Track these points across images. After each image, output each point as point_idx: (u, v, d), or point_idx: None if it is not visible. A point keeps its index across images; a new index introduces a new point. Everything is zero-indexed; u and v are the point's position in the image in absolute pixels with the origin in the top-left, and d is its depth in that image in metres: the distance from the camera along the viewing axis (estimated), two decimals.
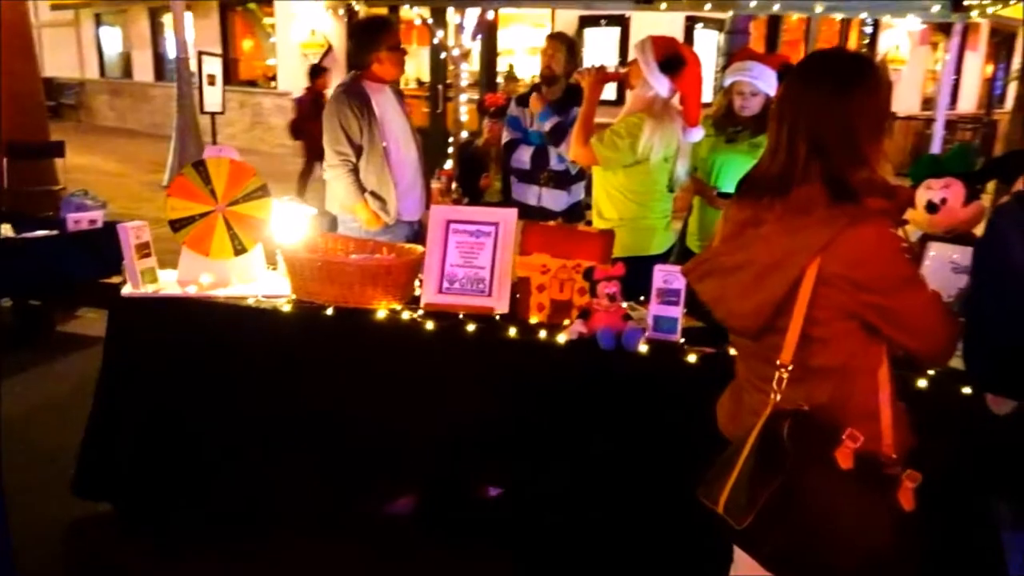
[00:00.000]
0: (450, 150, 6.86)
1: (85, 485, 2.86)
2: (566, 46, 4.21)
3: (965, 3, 5.75)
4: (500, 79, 12.00)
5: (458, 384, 2.63)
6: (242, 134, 15.52)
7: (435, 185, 5.23)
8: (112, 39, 19.38)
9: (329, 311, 2.74)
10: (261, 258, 3.11)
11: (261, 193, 3.00)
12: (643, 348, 2.50)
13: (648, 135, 3.21)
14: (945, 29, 12.99)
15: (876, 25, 14.13)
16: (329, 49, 14.60)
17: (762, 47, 11.16)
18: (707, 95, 4.33)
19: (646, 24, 10.09)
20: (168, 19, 14.19)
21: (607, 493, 2.52)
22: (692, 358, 2.45)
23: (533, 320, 2.68)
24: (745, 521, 1.43)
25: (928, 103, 14.65)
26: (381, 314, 2.72)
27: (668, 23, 10.70)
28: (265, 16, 16.30)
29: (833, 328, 1.52)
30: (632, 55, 3.39)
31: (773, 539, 1.44)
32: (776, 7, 6.53)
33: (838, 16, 9.07)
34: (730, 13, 7.57)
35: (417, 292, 2.87)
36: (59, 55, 18.86)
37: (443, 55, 7.21)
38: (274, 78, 15.95)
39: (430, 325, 2.67)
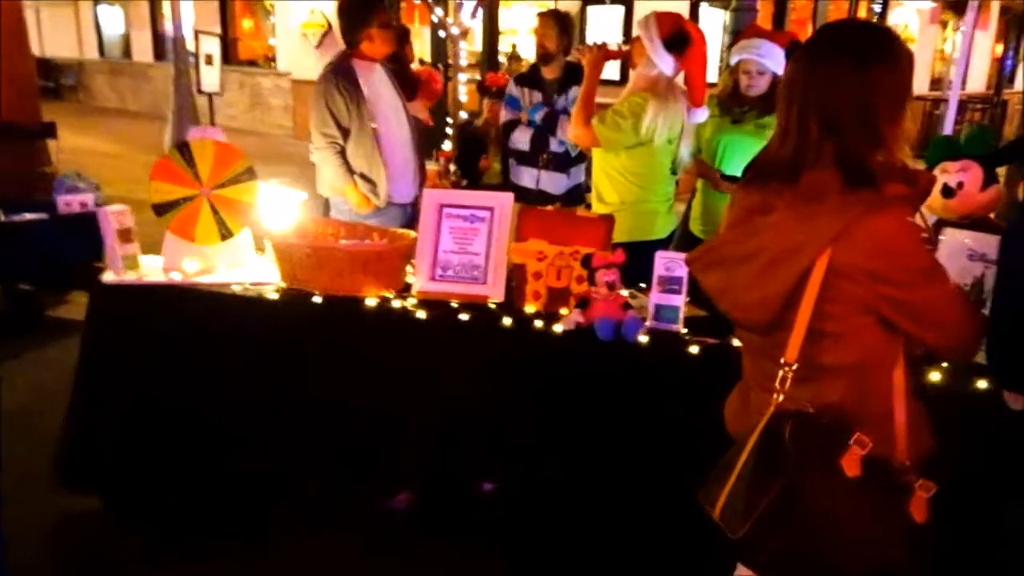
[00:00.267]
0: (449, 131, 6.74)
1: (70, 475, 2.77)
2: (557, 23, 4.08)
3: None
4: (503, 59, 11.83)
5: (452, 375, 2.53)
6: (241, 115, 15.36)
7: (433, 167, 5.12)
8: (111, 19, 19.17)
9: (318, 299, 2.64)
10: (249, 243, 3.00)
11: (248, 176, 2.89)
12: (643, 339, 2.40)
13: (652, 115, 3.09)
14: (955, 7, 12.77)
15: (886, 3, 13.89)
16: (329, 29, 14.41)
17: (769, 26, 10.96)
18: (712, 74, 4.20)
19: (650, 2, 9.92)
20: None
21: (605, 489, 2.42)
22: (694, 349, 2.34)
23: (529, 309, 2.58)
24: (741, 529, 1.33)
25: (937, 83, 14.43)
26: (372, 302, 2.62)
27: (673, 1, 10.51)
28: None
29: (847, 323, 1.41)
30: (636, 32, 3.26)
31: (770, 548, 1.35)
32: None
33: None
34: None
35: (410, 279, 2.77)
36: (58, 35, 18.67)
37: (442, 34, 7.06)
38: (274, 58, 15.77)
39: (422, 314, 2.56)
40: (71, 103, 18.02)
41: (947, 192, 2.42)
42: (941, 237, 2.40)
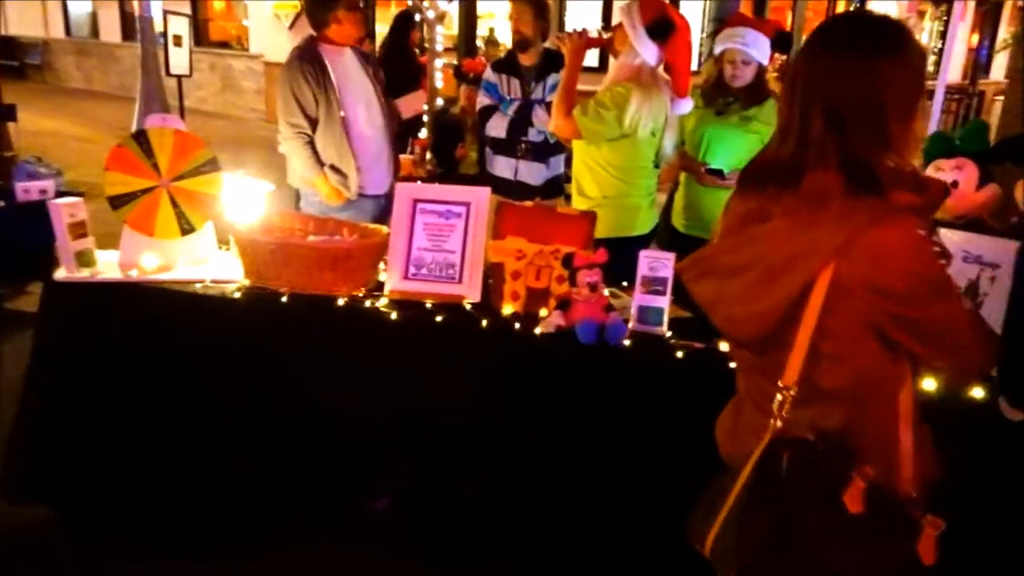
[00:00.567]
0: (424, 118, 6.57)
1: (13, 487, 2.61)
2: (532, 6, 3.92)
3: None
4: (480, 43, 11.63)
5: (425, 379, 2.40)
6: (212, 98, 15.02)
7: (408, 155, 4.97)
8: None
9: (284, 298, 2.50)
10: (212, 238, 2.85)
11: (210, 167, 2.73)
12: (626, 342, 2.29)
13: (636, 106, 2.97)
14: None
15: None
16: (301, 11, 14.12)
17: (748, 13, 10.87)
18: (692, 64, 4.08)
19: None
20: None
21: (586, 497, 2.31)
22: (680, 354, 2.24)
23: (507, 310, 2.45)
24: (732, 571, 1.22)
25: None
26: (341, 301, 2.49)
27: None
28: None
29: (848, 343, 1.30)
30: (617, 19, 3.13)
31: None
32: None
33: None
34: None
35: (382, 277, 2.63)
36: (22, 13, 18.13)
37: (418, 17, 6.88)
38: (246, 40, 15.42)
39: (395, 315, 2.43)
40: (36, 84, 17.53)
41: None
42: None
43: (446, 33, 8.55)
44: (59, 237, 2.59)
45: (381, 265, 2.67)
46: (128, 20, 16.77)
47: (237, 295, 2.54)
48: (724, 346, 2.25)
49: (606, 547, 2.30)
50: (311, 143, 3.45)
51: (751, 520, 1.22)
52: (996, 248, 1.95)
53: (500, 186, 3.79)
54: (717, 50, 3.40)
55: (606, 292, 2.46)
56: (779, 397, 1.28)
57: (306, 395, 2.48)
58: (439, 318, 2.41)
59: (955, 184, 2.34)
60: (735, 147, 3.35)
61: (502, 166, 4.01)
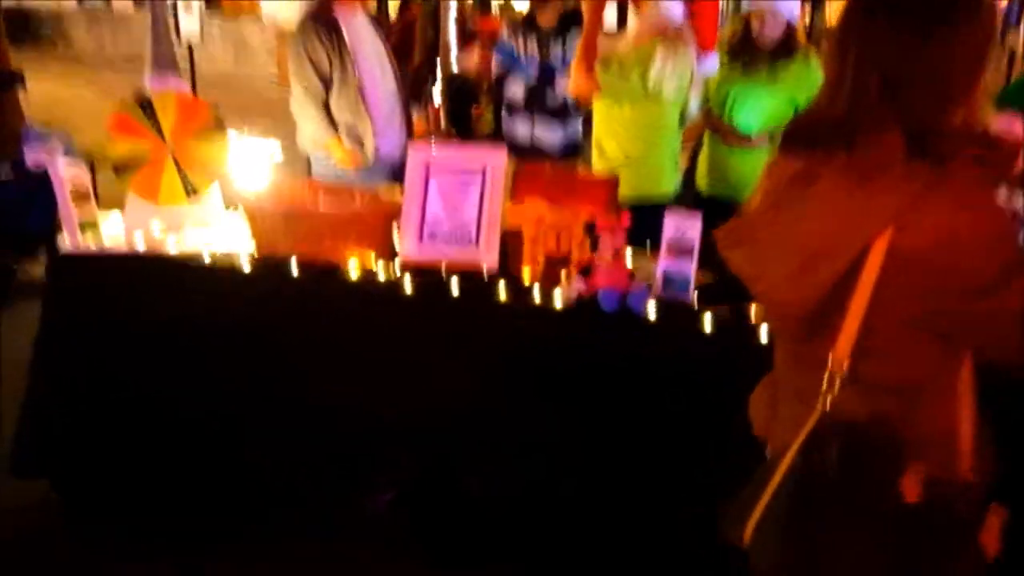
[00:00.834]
0: (439, 78, 6.43)
1: (22, 464, 2.56)
2: None
3: None
4: (496, 2, 11.38)
5: (440, 349, 2.31)
6: (223, 61, 14.87)
7: (422, 119, 4.85)
8: None
9: (294, 267, 2.41)
10: (218, 202, 2.75)
11: (215, 131, 2.63)
12: (651, 311, 2.18)
13: (660, 64, 2.83)
14: None
15: None
16: None
17: None
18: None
19: None
20: None
21: (608, 478, 2.21)
22: (707, 322, 2.13)
23: (526, 277, 2.35)
24: (774, 566, 1.12)
25: None
26: (354, 271, 2.39)
27: None
28: None
29: (902, 324, 1.17)
30: None
31: None
32: None
33: None
34: None
35: (396, 245, 2.53)
36: None
37: None
38: (258, 2, 15.21)
39: (409, 283, 2.34)
40: (48, 53, 17.43)
41: None
42: None
43: None
44: (62, 205, 2.50)
45: (395, 232, 2.57)
46: None
47: (246, 265, 2.45)
48: (754, 313, 2.15)
49: (623, 540, 2.20)
50: (325, 105, 3.34)
51: (795, 512, 1.12)
52: None
53: (516, 149, 3.66)
54: (745, 4, 3.24)
55: (629, 257, 2.35)
56: (826, 381, 1.17)
57: (317, 371, 2.39)
58: (455, 286, 2.31)
59: None
60: (762, 105, 3.21)
61: (519, 129, 3.87)
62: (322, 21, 3.28)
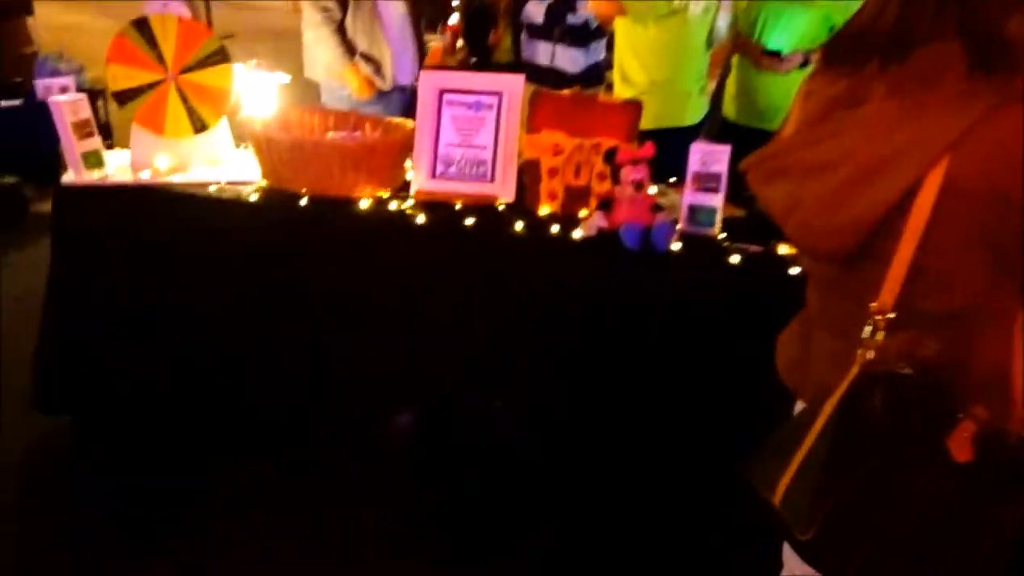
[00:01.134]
0: (455, 2, 6.18)
1: (43, 398, 2.54)
2: None
3: None
4: None
5: (454, 286, 2.23)
6: None
7: (437, 43, 4.67)
8: None
9: (303, 200, 2.32)
10: (227, 137, 2.66)
11: (219, 58, 2.51)
12: (675, 246, 2.07)
13: None
14: None
15: None
16: None
17: None
18: None
19: None
20: None
21: (622, 417, 2.14)
22: (735, 258, 2.02)
23: (543, 211, 2.25)
24: (809, 531, 1.04)
25: None
26: (364, 203, 2.30)
27: None
28: None
29: (957, 261, 1.06)
30: None
31: (853, 559, 1.04)
32: None
33: None
34: None
35: (409, 177, 2.43)
36: None
37: None
38: None
39: (421, 217, 2.24)
40: None
41: None
42: None
43: None
44: (63, 138, 2.42)
45: (408, 163, 2.46)
46: None
47: (254, 198, 2.37)
48: (784, 249, 2.04)
49: (640, 482, 2.13)
50: (341, 29, 3.20)
51: (834, 469, 1.03)
52: None
53: (536, 74, 3.51)
54: None
55: (652, 190, 2.24)
56: (871, 322, 1.07)
57: (328, 305, 2.33)
58: (469, 220, 2.21)
59: None
60: (795, 25, 3.02)
61: (538, 52, 3.70)
62: None
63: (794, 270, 1.93)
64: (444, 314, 2.25)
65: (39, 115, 4.76)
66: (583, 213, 2.21)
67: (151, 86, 2.49)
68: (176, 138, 2.53)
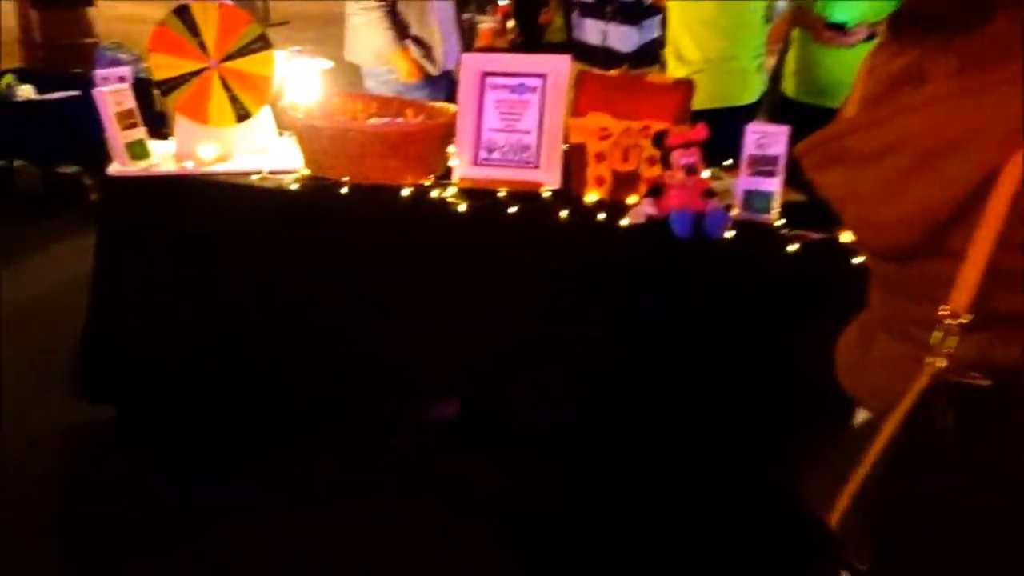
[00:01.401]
0: None
1: (87, 385, 2.56)
2: None
3: None
4: None
5: (497, 276, 2.16)
6: None
7: (487, 24, 4.58)
8: None
9: (344, 189, 2.27)
10: (271, 124, 2.62)
11: (261, 45, 2.47)
12: (729, 234, 1.96)
13: None
14: None
15: None
16: None
17: None
18: None
19: None
20: None
21: (670, 412, 2.04)
22: (793, 247, 1.90)
23: (590, 198, 2.16)
24: (868, 560, 0.94)
25: None
26: (406, 191, 2.24)
27: None
28: None
29: None
30: None
31: None
32: None
33: None
34: None
35: (454, 163, 2.36)
36: None
37: None
38: None
39: (464, 205, 2.17)
40: None
41: None
42: None
43: None
44: (107, 128, 2.41)
45: (452, 149, 2.39)
46: None
47: (295, 187, 2.33)
48: (849, 236, 1.91)
49: (682, 481, 2.04)
50: (393, 11, 3.14)
51: (898, 493, 0.93)
52: None
53: (587, 53, 3.40)
54: None
55: (705, 174, 2.12)
56: (944, 326, 0.95)
57: (371, 296, 2.28)
58: (513, 208, 2.13)
59: None
60: None
61: (590, 30, 3.58)
62: None
63: (859, 259, 1.80)
64: (486, 305, 2.18)
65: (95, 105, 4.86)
66: (631, 200, 2.11)
67: (194, 74, 2.46)
68: (219, 127, 2.51)
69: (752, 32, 2.78)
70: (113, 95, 2.40)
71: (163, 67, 2.45)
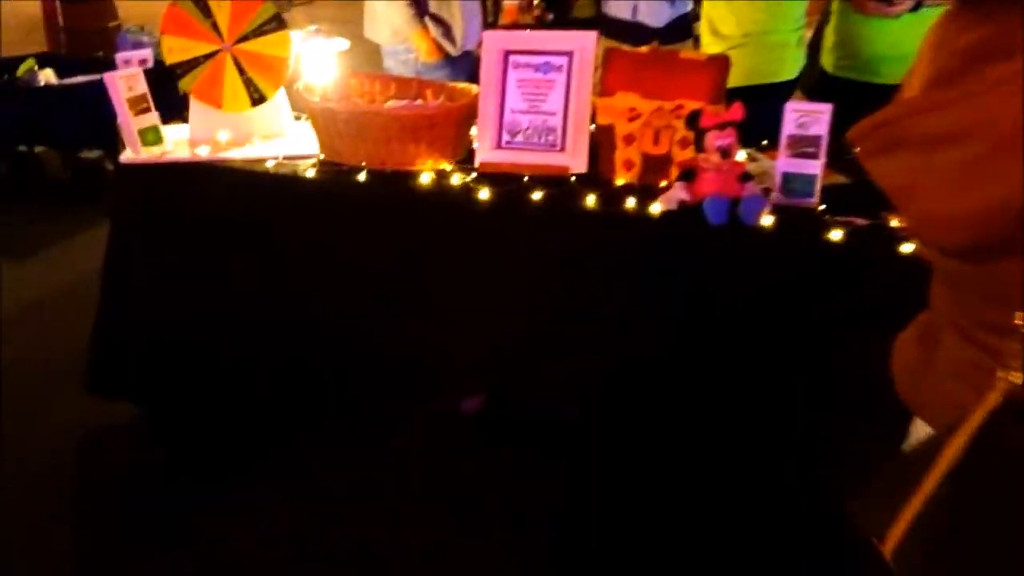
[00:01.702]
0: None
1: (100, 381, 2.51)
2: None
3: None
4: None
5: (521, 264, 2.06)
6: None
7: (513, 1, 4.45)
8: None
9: (361, 175, 2.18)
10: (286, 107, 2.54)
11: (275, 25, 2.38)
12: (767, 220, 1.84)
13: None
14: None
15: None
16: None
17: None
18: None
19: None
20: None
21: (702, 415, 1.94)
22: (836, 234, 1.78)
23: (619, 182, 2.05)
24: None
25: None
26: (425, 177, 2.15)
27: None
28: None
29: None
30: None
31: None
32: None
33: None
34: None
35: (475, 147, 2.26)
36: None
37: None
38: None
39: (486, 191, 2.07)
40: None
41: None
42: None
43: None
44: (120, 114, 2.34)
45: (473, 132, 2.29)
46: None
47: (310, 173, 2.24)
48: (897, 222, 1.78)
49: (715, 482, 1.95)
50: None
51: (963, 524, 0.82)
52: None
53: (616, 29, 3.27)
54: None
55: (740, 155, 2.00)
56: (1016, 336, 0.84)
57: (385, 281, 2.20)
58: (537, 194, 2.03)
59: None
60: None
61: (619, 5, 3.44)
62: None
63: (909, 247, 1.68)
64: (510, 294, 2.08)
65: None
66: (662, 184, 2.00)
67: (207, 57, 2.38)
68: (234, 112, 2.42)
69: (791, 2, 2.63)
70: (125, 79, 2.32)
71: (175, 50, 2.37)
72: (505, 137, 2.16)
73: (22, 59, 4.69)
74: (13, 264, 3.80)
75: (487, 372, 2.24)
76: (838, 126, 1.83)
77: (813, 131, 1.89)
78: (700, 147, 1.88)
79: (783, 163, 1.92)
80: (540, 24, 4.39)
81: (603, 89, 2.07)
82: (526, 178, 2.10)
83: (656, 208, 1.91)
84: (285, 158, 2.31)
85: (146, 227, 2.40)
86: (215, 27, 2.36)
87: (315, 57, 2.50)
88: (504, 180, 2.10)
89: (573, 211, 1.99)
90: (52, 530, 2.21)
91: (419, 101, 2.32)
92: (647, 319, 1.94)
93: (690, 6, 3.48)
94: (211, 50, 2.38)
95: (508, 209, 2.05)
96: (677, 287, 1.89)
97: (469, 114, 2.22)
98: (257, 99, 2.44)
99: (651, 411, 1.99)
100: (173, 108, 2.56)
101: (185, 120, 2.50)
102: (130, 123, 2.34)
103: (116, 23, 6.38)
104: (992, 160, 0.84)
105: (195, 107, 2.45)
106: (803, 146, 1.90)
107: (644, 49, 2.19)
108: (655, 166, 2.02)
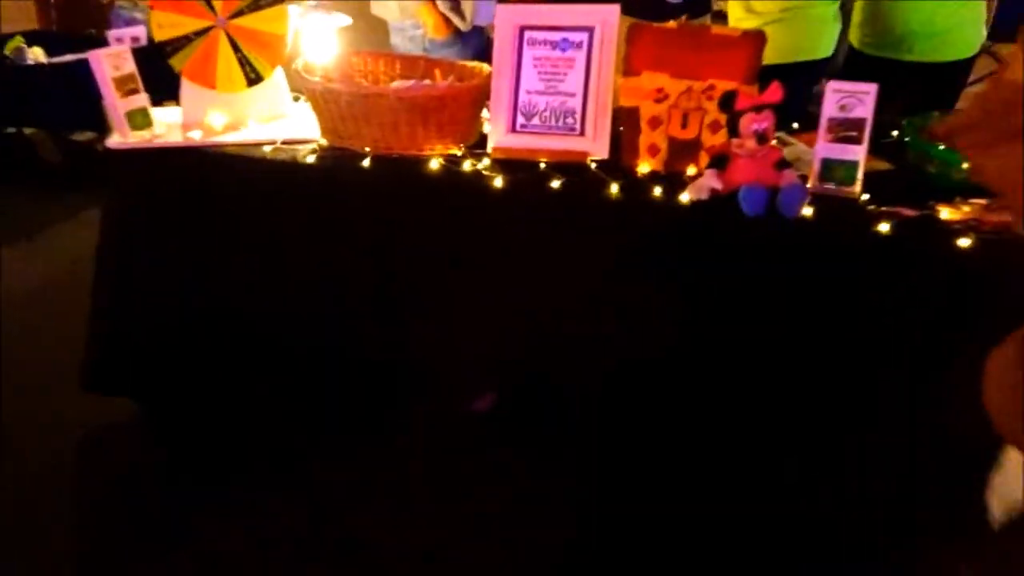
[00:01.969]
0: None
1: (96, 377, 2.38)
2: None
3: None
4: None
5: (537, 257, 1.93)
6: None
7: None
8: None
9: (366, 160, 2.04)
10: (284, 88, 2.39)
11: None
12: (806, 211, 1.70)
13: None
14: None
15: None
16: None
17: None
18: None
19: None
20: None
21: (734, 423, 1.81)
22: (883, 226, 1.63)
23: (643, 170, 1.91)
24: None
25: None
26: (434, 163, 2.01)
27: None
28: None
29: None
30: None
31: None
32: None
33: None
34: None
35: (487, 130, 2.11)
36: None
37: None
38: None
39: (500, 178, 1.93)
40: None
41: None
42: None
43: None
44: (105, 95, 2.19)
45: (485, 114, 2.14)
46: None
47: (311, 158, 2.10)
48: (948, 213, 1.64)
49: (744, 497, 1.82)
50: None
51: None
52: None
53: (635, 5, 3.10)
54: None
55: (776, 137, 1.86)
56: None
57: (392, 275, 2.07)
58: (555, 182, 1.88)
59: None
60: None
61: None
62: None
63: (964, 241, 1.54)
64: (526, 288, 1.96)
65: None
66: (691, 172, 1.86)
67: (199, 34, 2.23)
68: (228, 92, 2.28)
69: None
70: (111, 58, 2.17)
71: (165, 26, 2.22)
72: (520, 120, 2.02)
73: (10, 36, 4.53)
74: (4, 250, 3.67)
75: (497, 373, 2.12)
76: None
77: (856, 113, 1.74)
78: (734, 131, 1.74)
79: (823, 148, 1.77)
80: None
81: (627, 68, 1.91)
82: (543, 164, 1.97)
83: (685, 198, 1.77)
84: (284, 142, 2.17)
85: (137, 216, 2.26)
86: (208, 1, 2.20)
87: (315, 33, 2.35)
88: (519, 167, 1.97)
89: (594, 200, 1.85)
90: (52, 530, 2.14)
91: (427, 81, 2.18)
92: (675, 318, 1.80)
93: None
94: (203, 26, 2.23)
95: (523, 198, 1.92)
96: (709, 284, 1.76)
97: (481, 95, 2.08)
98: (253, 79, 2.30)
99: (672, 411, 1.86)
100: (171, 89, 2.41)
101: (179, 102, 2.36)
102: (116, 105, 2.19)
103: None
104: None
105: (187, 88, 2.31)
106: (846, 130, 1.76)
107: (672, 24, 2.03)
108: (683, 152, 1.88)
